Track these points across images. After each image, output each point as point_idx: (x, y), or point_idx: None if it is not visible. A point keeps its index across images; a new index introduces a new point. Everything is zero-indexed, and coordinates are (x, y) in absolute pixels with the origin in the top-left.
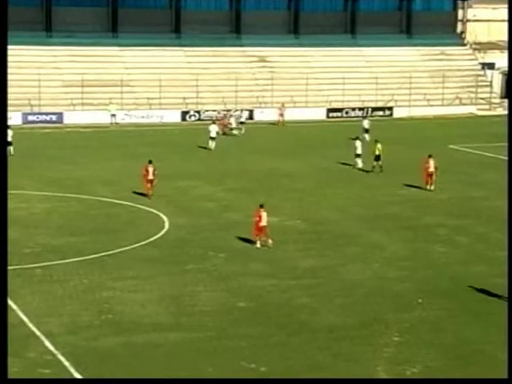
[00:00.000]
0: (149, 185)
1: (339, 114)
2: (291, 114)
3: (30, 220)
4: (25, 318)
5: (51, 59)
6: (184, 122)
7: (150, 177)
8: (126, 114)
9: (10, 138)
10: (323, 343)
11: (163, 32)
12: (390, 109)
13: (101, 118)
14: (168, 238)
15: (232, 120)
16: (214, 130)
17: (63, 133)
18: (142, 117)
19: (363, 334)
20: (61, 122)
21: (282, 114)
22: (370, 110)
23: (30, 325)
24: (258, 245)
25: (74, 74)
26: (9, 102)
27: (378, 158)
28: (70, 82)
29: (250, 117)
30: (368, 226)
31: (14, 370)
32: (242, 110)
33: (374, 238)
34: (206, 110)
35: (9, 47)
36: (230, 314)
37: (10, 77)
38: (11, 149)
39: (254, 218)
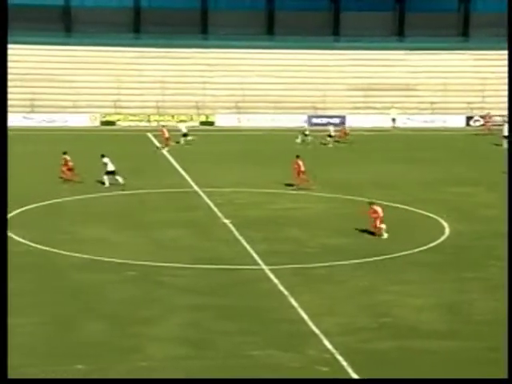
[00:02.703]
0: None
1: None
2: None
3: (309, 220)
4: (305, 316)
5: (337, 63)
6: (468, 127)
7: (302, 168)
8: (407, 119)
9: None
10: None
11: (450, 35)
12: None
13: (382, 121)
14: (447, 244)
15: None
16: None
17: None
18: (425, 121)
19: None
20: (343, 124)
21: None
22: None
23: (310, 323)
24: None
25: (359, 78)
26: (295, 105)
27: None
28: (354, 85)
29: None
30: None
31: (294, 366)
32: None
33: None
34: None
35: (296, 51)
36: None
37: (293, 80)
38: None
39: (371, 215)
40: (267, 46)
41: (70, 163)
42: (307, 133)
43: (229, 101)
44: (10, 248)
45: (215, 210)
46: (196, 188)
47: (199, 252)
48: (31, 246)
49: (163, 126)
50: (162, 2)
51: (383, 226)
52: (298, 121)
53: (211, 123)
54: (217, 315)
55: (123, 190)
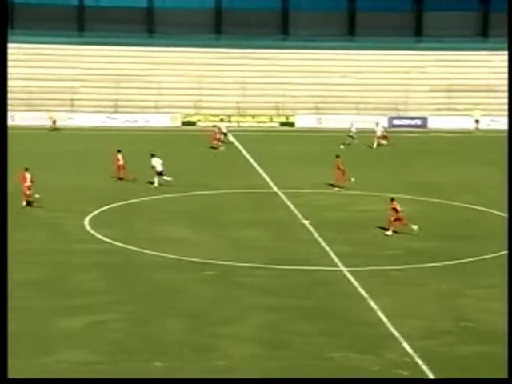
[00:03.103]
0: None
1: None
2: None
3: None
4: (384, 319)
5: (419, 64)
6: None
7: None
8: (491, 120)
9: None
10: None
11: None
12: None
13: (465, 123)
14: None
15: None
16: None
17: (427, 137)
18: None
19: None
20: (425, 126)
21: None
22: None
23: (389, 325)
24: (390, 232)
25: (441, 79)
26: (376, 106)
27: None
28: (436, 86)
29: None
30: None
31: (373, 369)
32: None
33: None
34: None
35: (377, 52)
36: None
37: (374, 81)
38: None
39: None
40: (348, 47)
41: (121, 162)
42: (353, 135)
43: (309, 102)
44: (92, 246)
45: (294, 210)
46: (275, 189)
47: (278, 253)
48: (112, 245)
49: (214, 126)
50: (243, 3)
51: (405, 222)
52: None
53: (291, 124)
54: (295, 316)
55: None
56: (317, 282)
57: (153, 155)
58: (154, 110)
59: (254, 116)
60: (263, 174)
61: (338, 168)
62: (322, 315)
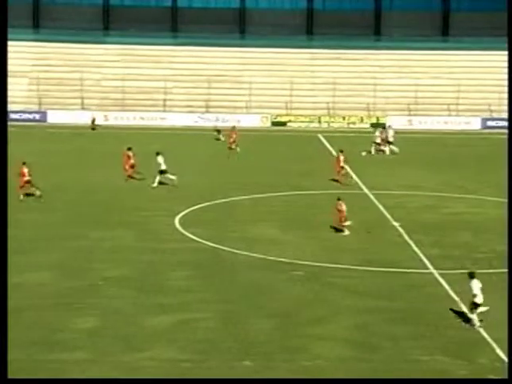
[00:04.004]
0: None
1: None
2: None
3: (482, 225)
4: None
5: None
6: None
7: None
8: None
9: (391, 139)
10: None
11: None
12: None
13: None
14: None
15: None
16: None
17: None
18: None
19: None
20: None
21: None
22: None
23: (481, 330)
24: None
25: None
26: (468, 107)
27: None
28: None
29: None
30: None
31: (462, 373)
32: None
33: None
34: None
35: (471, 52)
36: None
37: (467, 82)
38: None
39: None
40: (441, 47)
41: (132, 160)
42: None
43: (400, 103)
44: (182, 245)
45: (385, 212)
46: (366, 190)
47: (367, 254)
48: (202, 244)
49: (234, 128)
50: (336, 4)
51: (348, 223)
52: (471, 123)
53: (382, 125)
54: (385, 318)
55: (175, 186)
56: (407, 284)
57: (158, 153)
58: (244, 110)
59: (344, 117)
60: (353, 175)
61: (338, 163)
62: (413, 318)
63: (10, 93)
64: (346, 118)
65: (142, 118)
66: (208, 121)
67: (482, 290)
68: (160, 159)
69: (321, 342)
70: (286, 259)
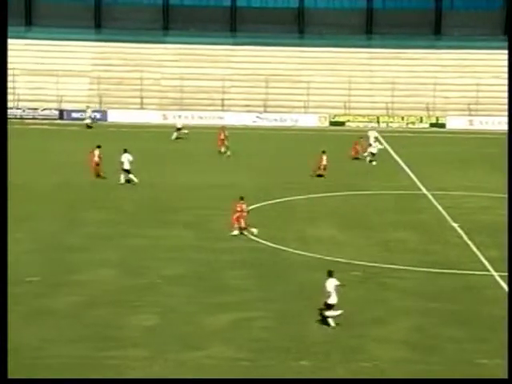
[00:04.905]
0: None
1: None
2: None
3: None
4: None
5: None
6: None
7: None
8: None
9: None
10: None
11: None
12: None
13: None
14: None
15: None
16: None
17: None
18: None
19: None
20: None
21: None
22: None
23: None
24: (236, 232)
25: None
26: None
27: None
28: None
29: None
30: None
31: None
32: None
33: None
34: None
35: None
36: None
37: None
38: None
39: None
40: (502, 47)
41: (96, 158)
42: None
43: (460, 102)
44: (240, 244)
45: (443, 213)
46: (424, 190)
47: (426, 255)
48: (260, 243)
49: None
50: (395, 3)
51: (243, 224)
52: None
53: (442, 125)
54: (444, 320)
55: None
56: (467, 286)
57: (125, 150)
58: (302, 109)
59: (403, 117)
60: (412, 176)
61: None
62: (472, 320)
63: (71, 92)
64: (405, 118)
65: (201, 118)
66: (267, 120)
67: (337, 289)
68: (124, 157)
69: (379, 344)
70: (343, 259)
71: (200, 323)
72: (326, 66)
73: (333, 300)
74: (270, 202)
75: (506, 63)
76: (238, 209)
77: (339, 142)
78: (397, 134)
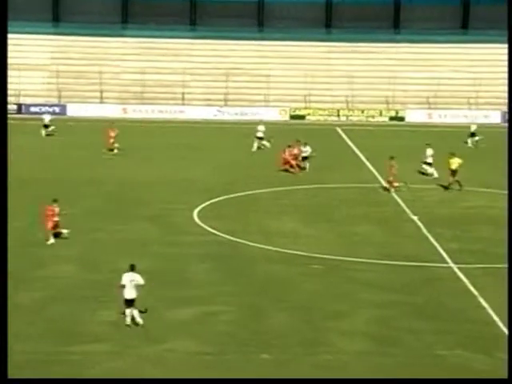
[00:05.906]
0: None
1: None
2: None
3: (501, 219)
4: (495, 318)
5: None
6: None
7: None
8: None
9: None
10: None
11: None
12: None
13: None
14: None
15: None
16: None
17: None
18: None
19: None
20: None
21: None
22: None
23: (500, 324)
24: (52, 240)
25: None
26: (488, 100)
27: None
28: None
29: None
30: None
31: (483, 368)
32: None
33: None
34: None
35: (491, 45)
36: None
37: (487, 75)
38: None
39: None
40: (461, 41)
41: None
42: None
43: (419, 96)
44: (201, 238)
45: (403, 206)
46: (384, 184)
47: (386, 248)
48: (222, 237)
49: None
50: None
51: (65, 231)
52: (490, 117)
53: (401, 118)
54: (405, 312)
55: None
56: (427, 278)
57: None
58: (263, 103)
59: (363, 110)
60: (372, 169)
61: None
62: (433, 312)
63: (29, 86)
64: (365, 112)
65: (161, 112)
66: (227, 114)
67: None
68: None
69: (341, 336)
70: (306, 253)
71: (163, 317)
72: (286, 59)
73: (128, 294)
74: (231, 195)
75: (464, 57)
76: (50, 212)
77: (300, 135)
78: (357, 128)
